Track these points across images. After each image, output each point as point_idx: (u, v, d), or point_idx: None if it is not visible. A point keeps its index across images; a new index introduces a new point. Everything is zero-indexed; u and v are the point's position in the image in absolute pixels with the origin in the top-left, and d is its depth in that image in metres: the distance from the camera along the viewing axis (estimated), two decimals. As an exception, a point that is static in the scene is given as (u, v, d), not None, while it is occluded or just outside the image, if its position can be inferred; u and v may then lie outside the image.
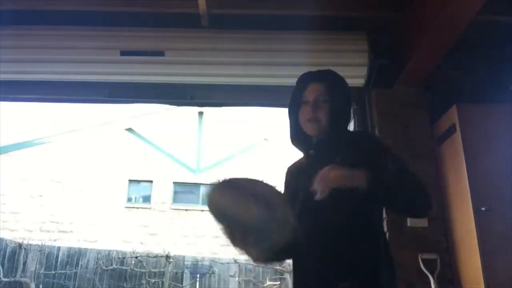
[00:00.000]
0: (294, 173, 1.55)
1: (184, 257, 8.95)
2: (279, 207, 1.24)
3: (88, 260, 8.74)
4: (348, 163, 1.33)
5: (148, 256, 8.73)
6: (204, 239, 10.37)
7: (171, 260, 8.72)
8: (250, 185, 1.28)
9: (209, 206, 1.30)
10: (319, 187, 1.24)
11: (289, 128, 1.52)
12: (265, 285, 8.51)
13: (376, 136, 1.50)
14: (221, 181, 1.30)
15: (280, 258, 1.51)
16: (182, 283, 8.73)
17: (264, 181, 1.29)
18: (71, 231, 10.80)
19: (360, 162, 1.31)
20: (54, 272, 8.49)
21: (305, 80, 1.50)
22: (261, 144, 11.30)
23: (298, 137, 1.49)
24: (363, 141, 1.39)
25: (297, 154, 1.61)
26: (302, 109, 1.46)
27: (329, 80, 1.48)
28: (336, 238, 1.32)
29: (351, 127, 3.07)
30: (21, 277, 8.05)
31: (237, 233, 1.27)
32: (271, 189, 1.28)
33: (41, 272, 8.38)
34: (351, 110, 1.55)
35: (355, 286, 1.28)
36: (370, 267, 1.32)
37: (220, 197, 1.29)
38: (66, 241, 9.69)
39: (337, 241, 1.31)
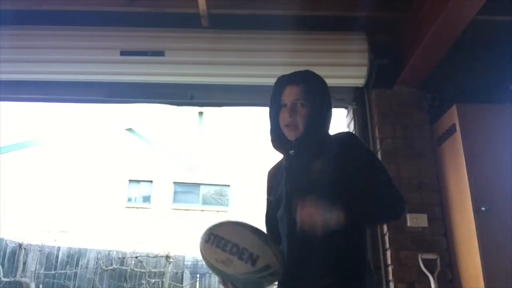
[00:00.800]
0: (275, 175, 1.55)
1: (184, 257, 8.94)
2: (263, 259, 1.25)
3: (88, 260, 8.74)
4: (328, 164, 1.36)
5: (148, 256, 8.72)
6: (204, 239, 10.36)
7: (171, 260, 8.71)
8: (234, 237, 1.28)
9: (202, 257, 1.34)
10: (306, 224, 1.26)
11: (269, 132, 1.51)
12: (265, 285, 8.50)
13: (358, 138, 1.49)
14: (205, 234, 1.32)
15: None
16: (182, 283, 8.72)
17: (249, 230, 1.29)
18: (71, 231, 10.79)
19: (341, 163, 1.34)
20: (54, 272, 8.49)
21: (281, 83, 1.50)
22: (261, 144, 11.30)
23: (278, 140, 1.49)
24: (344, 141, 1.39)
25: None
26: (281, 112, 1.46)
27: (305, 82, 1.46)
28: (316, 236, 1.31)
29: (351, 127, 3.07)
30: (21, 277, 8.04)
31: (229, 283, 1.31)
32: (254, 239, 1.28)
33: (41, 272, 8.37)
34: (331, 110, 1.51)
35: (336, 285, 1.29)
36: (351, 266, 1.33)
37: (205, 252, 1.31)
38: (66, 241, 9.67)
39: (318, 240, 1.31)
